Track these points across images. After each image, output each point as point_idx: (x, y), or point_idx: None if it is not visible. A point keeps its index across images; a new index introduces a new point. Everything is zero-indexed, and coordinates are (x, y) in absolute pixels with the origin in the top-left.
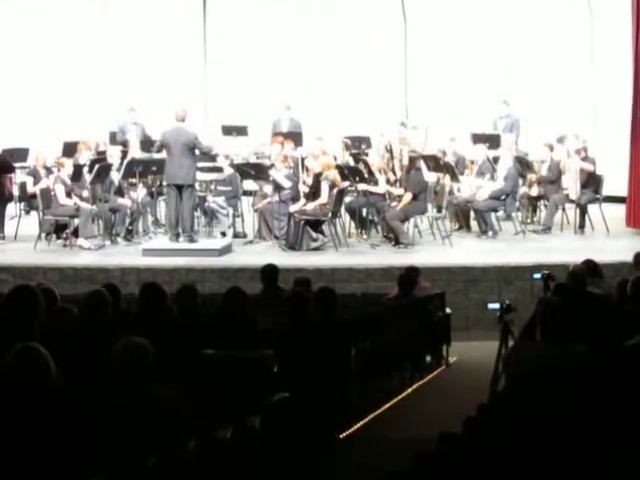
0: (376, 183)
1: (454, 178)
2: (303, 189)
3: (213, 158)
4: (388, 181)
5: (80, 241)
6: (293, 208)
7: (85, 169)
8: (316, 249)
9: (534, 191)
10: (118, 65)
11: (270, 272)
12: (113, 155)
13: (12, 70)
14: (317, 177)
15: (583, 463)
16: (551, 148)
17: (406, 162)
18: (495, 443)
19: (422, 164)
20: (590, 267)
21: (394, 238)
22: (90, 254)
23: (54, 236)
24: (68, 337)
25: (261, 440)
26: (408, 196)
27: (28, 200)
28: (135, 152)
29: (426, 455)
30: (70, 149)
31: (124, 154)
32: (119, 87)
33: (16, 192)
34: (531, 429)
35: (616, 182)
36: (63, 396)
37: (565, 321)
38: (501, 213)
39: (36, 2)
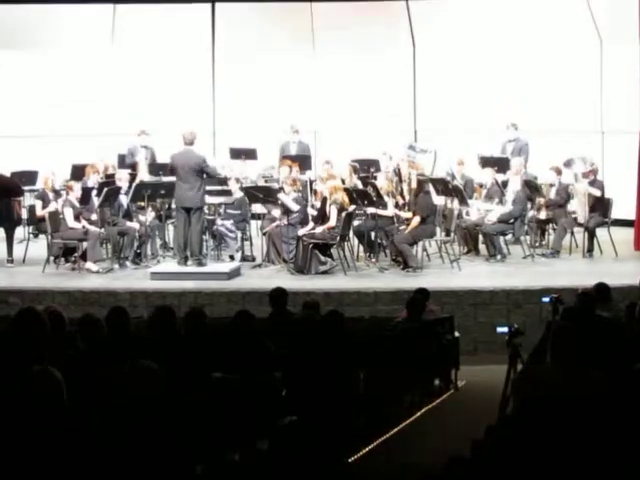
0: (385, 206)
1: (463, 202)
2: (311, 212)
3: (222, 181)
4: (397, 204)
5: (88, 264)
6: (302, 231)
7: (94, 192)
8: (325, 272)
9: (542, 215)
10: (127, 88)
11: (279, 295)
12: (122, 178)
13: (22, 93)
14: (325, 200)
15: None
16: (558, 172)
17: (415, 185)
18: (504, 466)
19: (431, 187)
20: (600, 290)
21: (403, 262)
22: (98, 277)
23: (62, 259)
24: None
25: (270, 463)
26: (416, 220)
27: (37, 223)
28: (144, 175)
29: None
30: (79, 172)
31: (133, 177)
32: (129, 110)
33: (25, 215)
34: (540, 453)
35: (624, 206)
36: (75, 419)
37: (574, 345)
38: (510, 237)
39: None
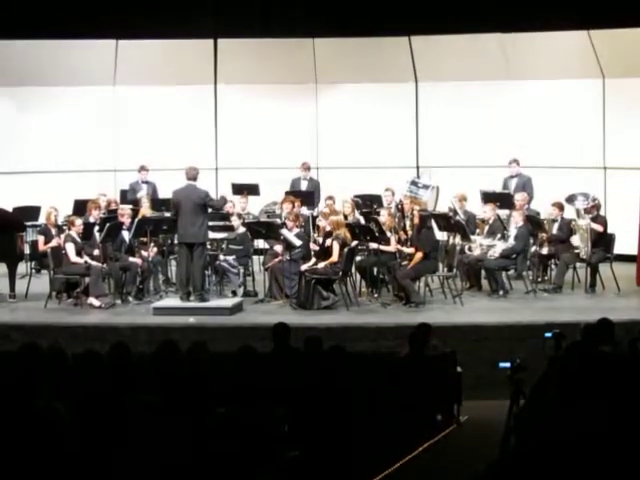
0: (387, 242)
1: (465, 237)
2: (314, 248)
3: (225, 217)
4: (399, 240)
5: (91, 300)
6: (304, 267)
7: (96, 228)
8: (327, 308)
9: (545, 250)
10: (130, 124)
11: (281, 331)
12: (124, 214)
13: (24, 129)
14: (328, 236)
15: None
16: (561, 207)
17: (417, 221)
18: None
19: (433, 223)
20: (602, 326)
21: (405, 297)
22: (101, 313)
23: (65, 295)
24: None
25: None
26: (419, 255)
27: (39, 258)
28: (146, 211)
29: None
30: (81, 207)
31: (135, 213)
32: (131, 146)
33: (27, 250)
34: None
35: (627, 241)
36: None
37: (577, 380)
38: (512, 272)
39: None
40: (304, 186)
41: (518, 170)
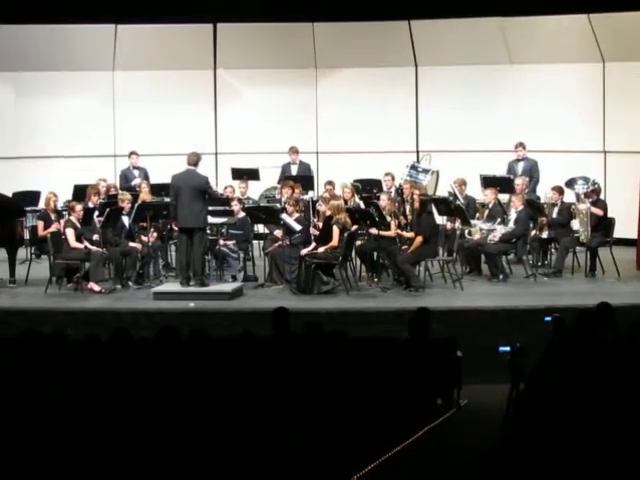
0: (387, 227)
1: (465, 222)
2: (314, 233)
3: (225, 202)
4: (399, 225)
5: (91, 285)
6: (304, 251)
7: (95, 213)
8: (327, 292)
9: (545, 234)
10: (130, 109)
11: (281, 316)
12: (124, 199)
13: (25, 114)
14: (328, 221)
15: None
16: (560, 191)
17: (417, 206)
18: None
19: (433, 208)
20: (602, 310)
21: (405, 282)
22: (101, 298)
23: (65, 280)
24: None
25: None
26: (419, 240)
27: (39, 244)
28: (146, 196)
29: None
30: (81, 192)
31: (135, 198)
32: (131, 131)
33: (27, 236)
34: (544, 474)
35: (627, 225)
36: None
37: (577, 365)
38: (512, 256)
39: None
40: (294, 170)
41: (524, 154)
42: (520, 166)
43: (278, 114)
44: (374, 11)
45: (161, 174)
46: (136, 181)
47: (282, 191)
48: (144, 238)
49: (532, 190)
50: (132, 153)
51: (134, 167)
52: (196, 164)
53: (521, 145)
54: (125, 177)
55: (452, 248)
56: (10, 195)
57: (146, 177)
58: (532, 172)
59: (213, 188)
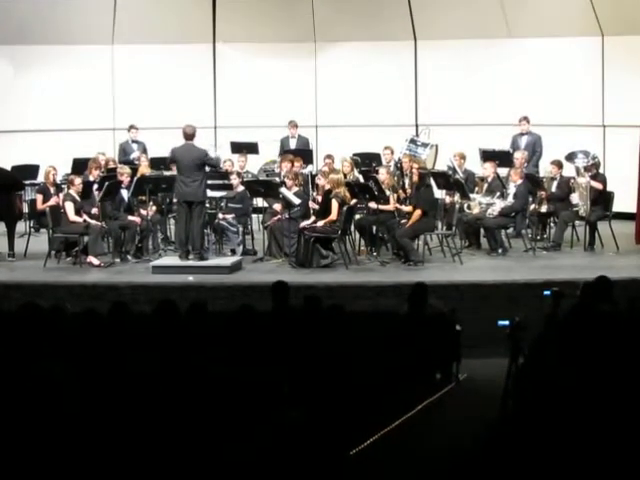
0: (386, 201)
1: (464, 195)
2: (313, 206)
3: (224, 175)
4: (398, 199)
5: (90, 259)
6: (304, 223)
7: (95, 186)
8: (326, 266)
9: (544, 208)
10: (129, 83)
11: (280, 290)
12: (123, 173)
13: (23, 88)
14: (327, 194)
15: None
16: (560, 165)
17: (416, 179)
18: (506, 461)
19: (432, 181)
20: (601, 284)
21: (404, 255)
22: (100, 272)
23: (64, 254)
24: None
25: (272, 458)
26: (418, 213)
27: (38, 218)
28: (145, 170)
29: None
30: (80, 166)
31: (134, 172)
32: (130, 105)
33: (26, 210)
34: (541, 447)
35: (626, 199)
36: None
37: (577, 339)
38: (511, 230)
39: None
40: (293, 144)
41: (528, 128)
42: (524, 140)
43: (277, 88)
44: None
45: (160, 148)
46: (135, 154)
47: (281, 165)
48: (143, 212)
49: (535, 165)
50: (131, 127)
51: (133, 141)
52: (193, 137)
53: (525, 119)
54: (124, 151)
55: (451, 222)
56: (9, 169)
57: (145, 151)
58: (535, 147)
59: (212, 158)
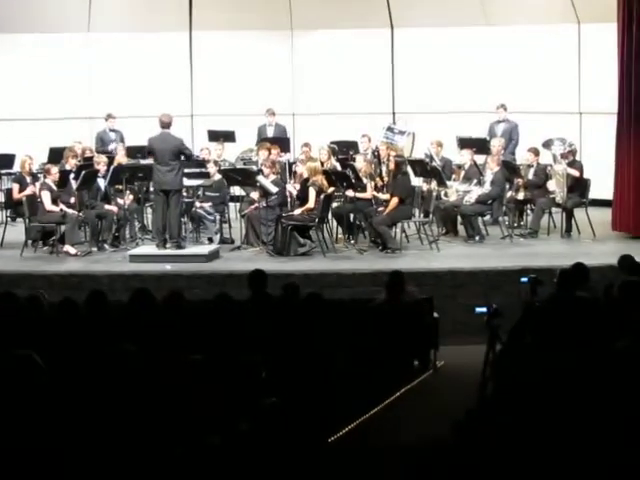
0: (363, 188)
1: (441, 183)
2: (291, 190)
3: (201, 164)
4: (375, 186)
5: (67, 248)
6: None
7: (71, 175)
8: (303, 254)
9: (521, 195)
10: (104, 71)
11: (258, 278)
12: (99, 162)
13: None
14: (304, 183)
15: (572, 467)
16: (536, 153)
17: (393, 167)
18: (484, 448)
19: (409, 169)
20: (578, 271)
21: (381, 243)
22: (77, 261)
23: (40, 243)
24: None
25: (250, 445)
26: (395, 201)
27: (14, 207)
28: (121, 158)
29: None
30: (56, 155)
31: (110, 160)
32: (106, 94)
33: (2, 199)
34: (520, 434)
35: (602, 186)
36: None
37: (554, 326)
38: (488, 218)
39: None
40: (270, 132)
41: (505, 115)
42: (500, 127)
43: (254, 76)
44: None
45: (137, 136)
46: (112, 146)
47: (259, 153)
48: (120, 201)
49: (511, 152)
50: (109, 116)
51: (110, 130)
52: (169, 125)
53: (502, 106)
54: (101, 140)
55: (428, 209)
56: None
57: (122, 140)
58: (512, 134)
59: (189, 149)
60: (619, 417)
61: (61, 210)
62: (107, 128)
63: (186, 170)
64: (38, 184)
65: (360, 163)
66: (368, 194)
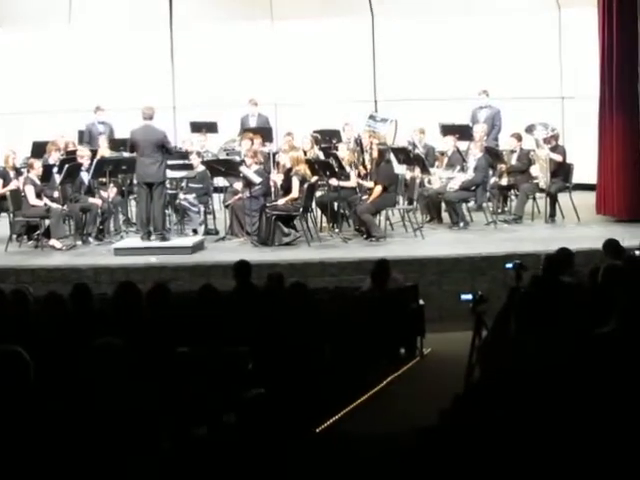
0: (347, 177)
1: (424, 170)
2: (275, 179)
3: (184, 155)
4: (359, 175)
5: (52, 242)
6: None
7: (55, 169)
8: (288, 244)
9: (504, 181)
10: (86, 64)
11: (243, 268)
12: (83, 155)
13: None
14: (288, 172)
15: (558, 453)
16: (519, 138)
17: (376, 155)
18: (471, 435)
19: (392, 157)
20: (562, 255)
21: (366, 231)
22: (62, 255)
23: (25, 237)
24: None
25: (237, 436)
26: (378, 189)
27: None
28: (105, 151)
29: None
30: (39, 149)
31: (94, 153)
32: (88, 87)
33: None
34: (507, 420)
35: (585, 170)
36: (41, 397)
37: (539, 311)
38: (472, 204)
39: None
40: (253, 122)
41: (487, 101)
42: (483, 113)
43: (235, 66)
44: None
45: (120, 129)
46: (102, 138)
47: (241, 143)
48: (104, 194)
49: (494, 138)
50: (97, 108)
51: (99, 122)
52: (152, 117)
53: (484, 92)
54: (89, 132)
55: (412, 197)
56: None
57: (112, 132)
58: (495, 120)
59: (171, 142)
60: (604, 401)
61: (45, 204)
62: (96, 121)
63: (169, 162)
64: (22, 179)
65: (343, 152)
66: (352, 182)
